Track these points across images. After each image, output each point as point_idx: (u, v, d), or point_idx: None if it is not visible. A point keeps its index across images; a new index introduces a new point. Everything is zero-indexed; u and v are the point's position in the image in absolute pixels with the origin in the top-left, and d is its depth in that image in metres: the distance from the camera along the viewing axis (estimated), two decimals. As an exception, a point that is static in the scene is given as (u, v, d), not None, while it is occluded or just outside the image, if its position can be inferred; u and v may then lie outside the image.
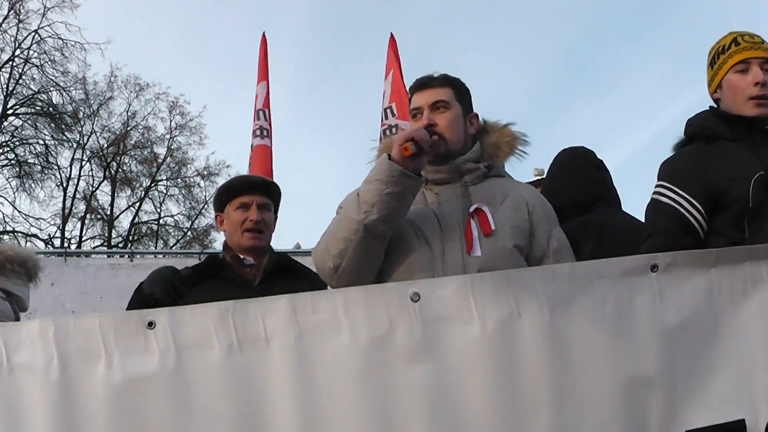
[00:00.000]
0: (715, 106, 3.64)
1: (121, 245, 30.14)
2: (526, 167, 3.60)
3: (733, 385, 2.61)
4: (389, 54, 9.82)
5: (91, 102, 31.10)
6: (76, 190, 30.93)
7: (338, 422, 2.53)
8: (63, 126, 30.14)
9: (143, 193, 32.27)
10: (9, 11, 28.36)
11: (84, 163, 31.27)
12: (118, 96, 31.87)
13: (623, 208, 4.60)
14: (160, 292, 3.99)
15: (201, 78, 46.25)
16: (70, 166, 30.77)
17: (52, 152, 30.05)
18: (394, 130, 8.96)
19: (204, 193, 32.23)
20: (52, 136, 30.08)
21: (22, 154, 29.63)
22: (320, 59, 47.69)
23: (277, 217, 4.40)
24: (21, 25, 28.62)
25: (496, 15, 47.88)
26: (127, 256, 12.48)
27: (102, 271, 10.08)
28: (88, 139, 31.19)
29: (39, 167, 29.76)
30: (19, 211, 29.10)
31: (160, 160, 32.51)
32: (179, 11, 46.00)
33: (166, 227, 32.51)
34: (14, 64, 29.07)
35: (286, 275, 4.15)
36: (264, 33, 10.31)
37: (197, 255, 10.64)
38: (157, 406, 2.54)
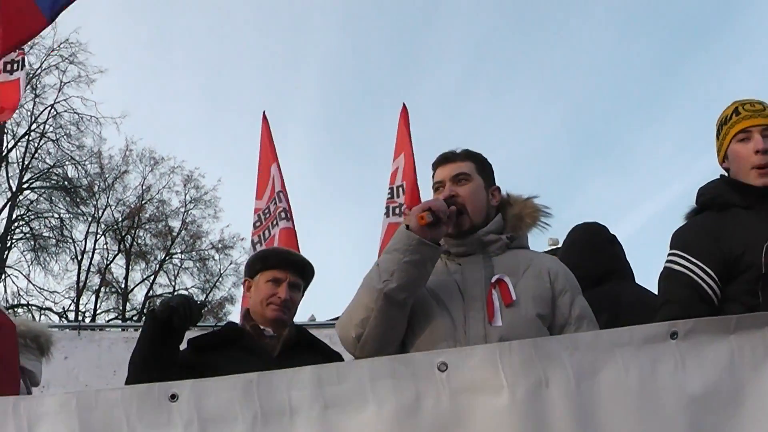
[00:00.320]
0: (726, 174, 3.64)
1: (135, 318, 30.13)
2: (541, 237, 3.62)
3: None
4: (400, 127, 9.71)
5: (106, 176, 31.48)
6: (90, 263, 31.11)
7: None
8: (78, 200, 30.40)
9: (158, 266, 32.41)
10: (26, 86, 28.78)
11: (99, 236, 31.51)
12: (133, 170, 32.28)
13: (636, 280, 4.62)
14: (177, 302, 3.93)
15: (216, 151, 46.76)
16: (85, 239, 31.01)
17: (67, 226, 30.31)
18: (402, 208, 8.95)
19: (218, 266, 32.35)
20: (67, 210, 30.36)
21: (37, 227, 29.88)
22: (329, 131, 48.14)
23: (303, 295, 4.37)
24: (37, 99, 29.10)
25: (509, 92, 48.54)
26: (140, 329, 12.45)
27: (116, 344, 10.05)
28: (102, 213, 31.47)
29: (54, 241, 29.96)
30: (33, 285, 29.22)
31: (174, 233, 32.69)
32: (194, 86, 46.71)
33: (180, 300, 32.43)
34: (30, 138, 29.47)
35: (305, 349, 4.13)
36: (264, 112, 9.98)
37: (211, 328, 10.59)
38: None
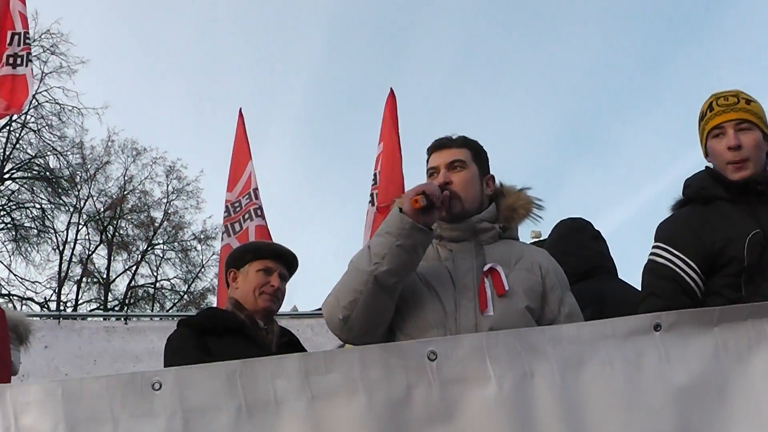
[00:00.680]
0: (711, 166, 3.67)
1: (117, 309, 30.02)
2: (524, 230, 3.62)
3: None
4: (385, 112, 9.53)
5: (88, 166, 31.26)
6: (72, 253, 30.91)
7: None
8: (59, 190, 30.19)
9: (140, 256, 32.25)
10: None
11: (80, 227, 31.32)
12: (115, 160, 32.09)
13: (620, 274, 4.66)
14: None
15: (198, 143, 46.51)
16: (67, 229, 30.81)
17: (49, 216, 30.10)
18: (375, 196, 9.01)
19: (201, 256, 32.23)
20: (48, 200, 30.14)
21: (18, 218, 29.65)
22: (312, 123, 48.04)
23: None
24: (19, 90, 28.80)
25: (495, 87, 48.48)
26: (122, 319, 12.41)
27: (96, 334, 10.02)
28: (84, 203, 31.27)
29: (35, 231, 29.76)
30: (14, 275, 29.02)
31: (156, 224, 32.54)
32: (177, 77, 46.46)
33: (163, 291, 32.42)
34: (11, 128, 29.19)
35: (292, 347, 4.17)
36: (240, 109, 9.97)
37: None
38: None
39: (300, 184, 46.76)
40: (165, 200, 32.59)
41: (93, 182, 31.52)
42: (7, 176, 29.46)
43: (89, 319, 19.28)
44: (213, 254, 31.51)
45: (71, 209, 30.81)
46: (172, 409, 2.53)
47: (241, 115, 9.89)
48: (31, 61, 8.64)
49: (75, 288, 30.94)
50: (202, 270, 31.93)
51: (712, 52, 47.81)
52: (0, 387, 2.65)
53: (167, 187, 32.55)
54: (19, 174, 29.94)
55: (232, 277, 4.33)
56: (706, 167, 3.68)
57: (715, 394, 2.63)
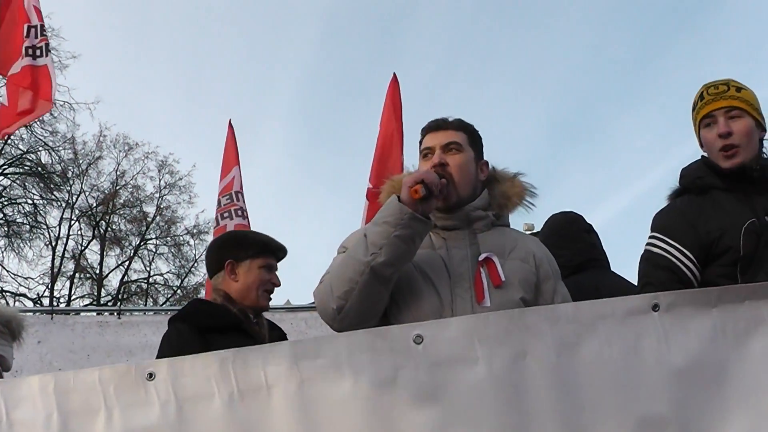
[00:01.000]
0: (707, 156, 3.68)
1: (110, 304, 29.98)
2: (517, 222, 3.59)
3: (747, 428, 2.58)
4: (388, 97, 9.55)
5: (80, 161, 31.21)
6: (65, 249, 30.89)
7: None
8: (52, 185, 30.12)
9: (132, 251, 32.20)
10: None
11: (73, 222, 31.28)
12: (107, 155, 32.02)
13: (613, 268, 4.68)
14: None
15: (190, 137, 46.44)
16: (59, 225, 30.76)
17: (41, 212, 30.04)
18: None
19: (193, 251, 32.19)
20: (40, 196, 30.08)
21: (10, 213, 29.58)
22: (309, 120, 47.99)
23: None
24: (10, 85, 28.74)
25: (488, 79, 48.45)
26: (115, 314, 12.41)
27: (89, 329, 10.03)
28: (77, 199, 31.22)
29: (27, 227, 29.70)
30: (7, 271, 28.98)
31: (149, 219, 32.52)
32: (169, 71, 46.33)
33: (156, 286, 32.40)
34: (3, 124, 29.13)
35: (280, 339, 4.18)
36: (230, 121, 10.42)
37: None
38: None
39: (293, 176, 46.84)
40: (157, 195, 32.58)
41: (85, 177, 31.51)
42: (-2, 172, 29.40)
43: (82, 314, 19.29)
44: (206, 249, 31.48)
45: (63, 205, 30.80)
46: (166, 398, 2.55)
47: (231, 126, 10.34)
48: (50, 51, 8.68)
49: (68, 284, 30.94)
50: (195, 265, 31.91)
51: (705, 44, 47.97)
52: None
53: (159, 181, 32.55)
54: (11, 170, 29.86)
55: (230, 269, 4.26)
56: (702, 157, 3.70)
57: (711, 376, 2.62)
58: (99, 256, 31.78)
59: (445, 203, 3.32)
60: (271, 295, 4.28)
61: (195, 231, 32.31)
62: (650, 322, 2.65)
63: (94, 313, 20.89)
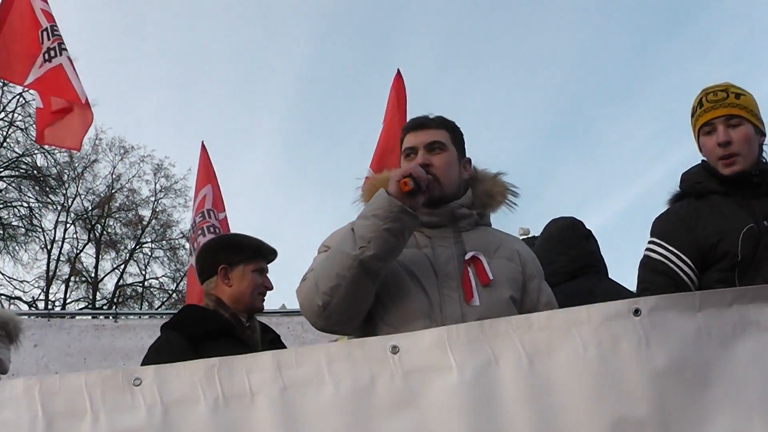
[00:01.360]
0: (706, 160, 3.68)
1: (105, 308, 29.98)
2: (512, 226, 3.58)
3: (729, 429, 2.57)
4: (392, 93, 9.56)
5: (76, 165, 31.22)
6: (60, 252, 30.91)
7: None
8: (47, 189, 30.15)
9: (128, 255, 32.22)
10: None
11: (68, 225, 31.30)
12: (102, 159, 32.03)
13: (610, 270, 4.69)
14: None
15: (186, 140, 46.43)
16: (54, 228, 30.77)
17: (36, 215, 30.07)
18: None
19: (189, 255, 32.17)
20: (36, 199, 30.11)
21: (6, 216, 29.62)
22: (305, 119, 48.00)
23: None
24: (5, 88, 28.75)
25: (482, 80, 48.54)
26: (111, 317, 12.43)
27: (86, 332, 10.03)
28: (72, 202, 31.25)
29: (23, 230, 29.73)
30: (2, 274, 29.03)
31: (144, 223, 32.52)
32: (164, 75, 46.34)
33: (151, 289, 32.39)
34: (-2, 126, 29.14)
35: (274, 345, 4.20)
36: (203, 142, 10.71)
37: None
38: None
39: (287, 177, 46.76)
40: (153, 198, 32.63)
41: (81, 181, 31.54)
42: (-6, 175, 29.40)
43: (79, 317, 19.27)
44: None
45: (59, 208, 30.83)
46: (152, 402, 2.57)
47: (203, 147, 10.70)
48: (65, 49, 8.67)
49: (63, 287, 30.93)
50: (191, 268, 31.87)
51: (701, 45, 48.05)
52: None
53: (155, 185, 32.59)
54: (7, 173, 29.88)
55: (224, 274, 4.26)
56: (702, 161, 3.70)
57: (695, 379, 2.61)
58: (94, 260, 31.84)
59: (430, 199, 3.25)
60: (264, 297, 4.28)
61: (190, 235, 32.29)
62: (630, 326, 2.64)
63: (90, 317, 20.87)
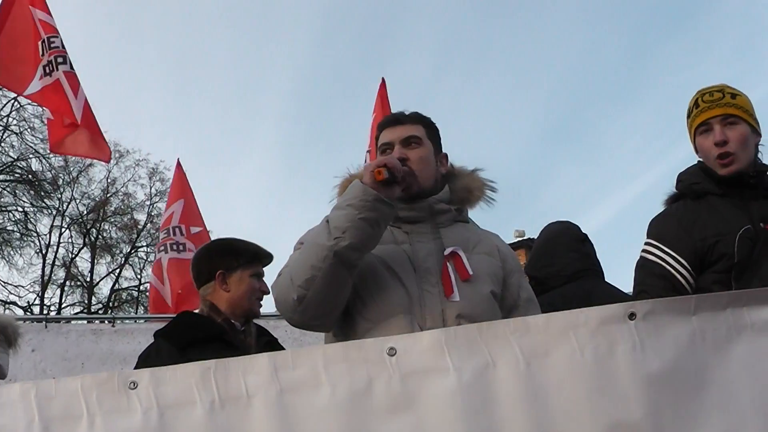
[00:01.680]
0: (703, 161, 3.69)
1: (101, 312, 29.96)
2: (508, 229, 3.59)
3: (723, 431, 2.59)
4: (378, 103, 9.81)
5: (71, 169, 31.23)
6: (55, 257, 30.91)
7: None
8: (42, 193, 30.15)
9: (123, 259, 32.20)
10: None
11: (63, 230, 31.32)
12: (97, 163, 31.94)
13: (606, 273, 4.70)
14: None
15: (182, 144, 46.40)
16: (50, 233, 30.79)
17: (31, 219, 30.08)
18: None
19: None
20: (31, 203, 30.10)
21: (0, 221, 29.55)
22: (300, 122, 48.01)
23: None
24: (0, 92, 28.74)
25: (480, 82, 48.64)
26: (108, 321, 12.43)
27: (83, 336, 9.99)
28: (67, 206, 31.27)
29: (18, 234, 29.72)
30: (-3, 279, 28.93)
31: (140, 227, 32.51)
32: (160, 78, 46.35)
33: (147, 293, 32.33)
34: (-7, 131, 29.11)
35: (270, 346, 4.19)
36: (178, 159, 10.90)
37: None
38: None
39: (284, 179, 46.79)
40: (148, 202, 32.63)
41: (76, 185, 31.57)
42: (-11, 179, 29.36)
43: (76, 322, 19.25)
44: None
45: (54, 212, 30.84)
46: (148, 405, 2.57)
47: (179, 165, 10.94)
48: (62, 63, 8.69)
49: (58, 292, 30.90)
50: (186, 272, 31.86)
51: (701, 44, 48.14)
52: None
53: (150, 189, 32.59)
54: (1, 177, 29.84)
55: (221, 279, 4.25)
56: (699, 161, 3.70)
57: (689, 383, 2.61)
58: (90, 264, 31.81)
59: (407, 193, 3.24)
60: (262, 302, 4.28)
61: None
62: (626, 329, 2.64)
63: (86, 321, 20.86)
